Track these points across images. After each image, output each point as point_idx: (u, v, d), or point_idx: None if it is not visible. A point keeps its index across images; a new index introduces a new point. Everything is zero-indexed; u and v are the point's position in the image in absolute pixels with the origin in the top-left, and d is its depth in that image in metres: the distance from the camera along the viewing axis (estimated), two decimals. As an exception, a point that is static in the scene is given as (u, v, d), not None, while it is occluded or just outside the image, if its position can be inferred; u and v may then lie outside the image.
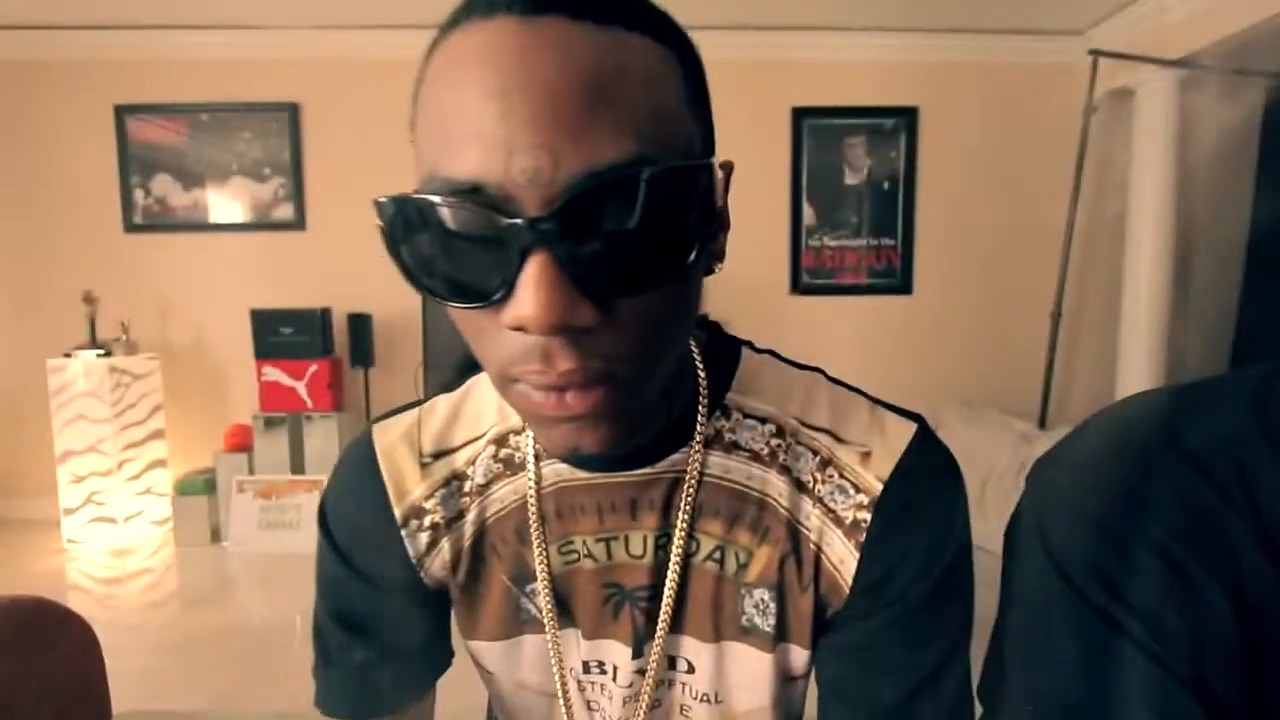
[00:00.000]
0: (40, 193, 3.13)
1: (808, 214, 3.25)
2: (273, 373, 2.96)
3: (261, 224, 3.20)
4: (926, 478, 0.43)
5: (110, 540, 2.93)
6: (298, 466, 3.04)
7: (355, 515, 0.47)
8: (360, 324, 3.04)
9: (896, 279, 3.29)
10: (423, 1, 2.89)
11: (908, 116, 3.21)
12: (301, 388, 2.97)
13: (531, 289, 0.29)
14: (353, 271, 3.16)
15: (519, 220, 0.29)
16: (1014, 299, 3.25)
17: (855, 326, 3.27)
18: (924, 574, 0.42)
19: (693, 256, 0.32)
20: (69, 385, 2.86)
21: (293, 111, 3.14)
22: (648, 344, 0.33)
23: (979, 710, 0.44)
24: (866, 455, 0.44)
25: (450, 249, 0.31)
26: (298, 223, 3.20)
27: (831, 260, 3.27)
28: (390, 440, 0.48)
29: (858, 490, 0.43)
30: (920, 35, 3.13)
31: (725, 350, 0.47)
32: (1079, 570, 0.36)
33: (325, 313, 3.03)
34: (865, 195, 3.26)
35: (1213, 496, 0.35)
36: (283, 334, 2.96)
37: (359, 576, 0.47)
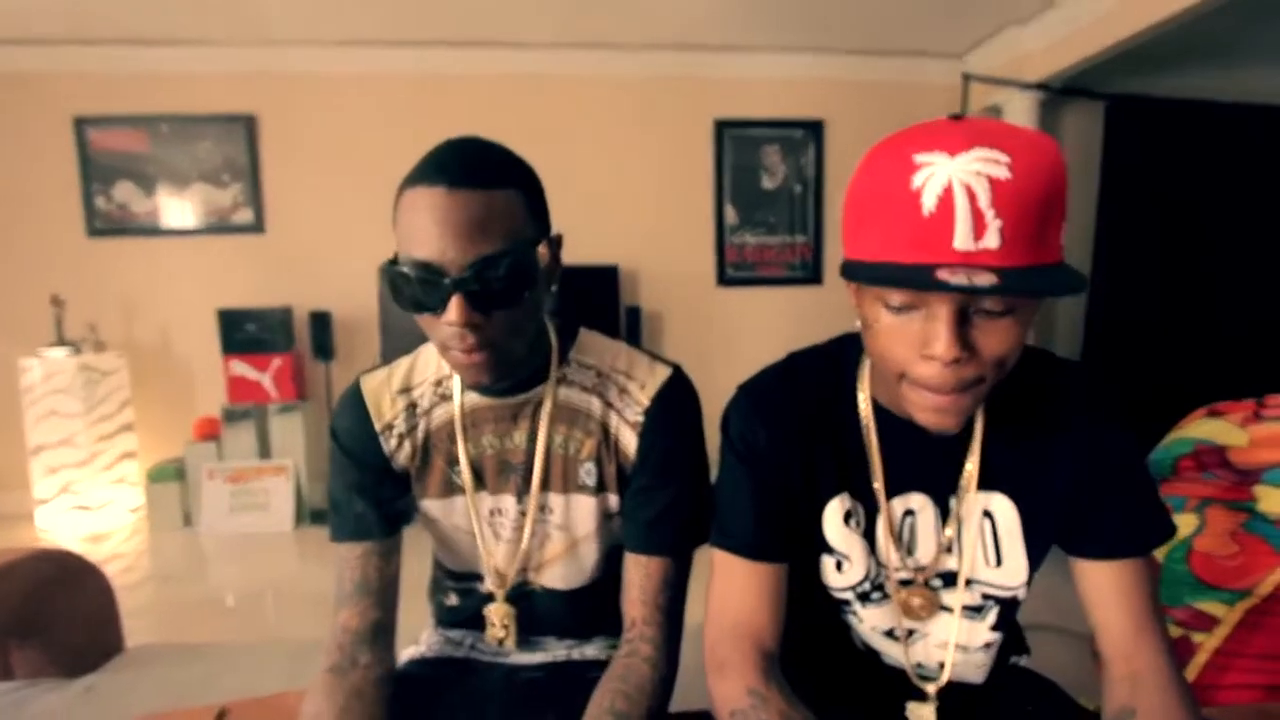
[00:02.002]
0: (2, 200, 3.27)
1: (730, 214, 3.63)
2: (239, 367, 3.20)
3: (222, 228, 3.41)
4: (672, 400, 0.79)
5: (85, 528, 3.13)
6: (265, 453, 3.28)
7: (352, 429, 0.80)
8: (321, 321, 3.28)
9: (809, 271, 3.70)
10: (366, 22, 3.15)
11: (815, 128, 3.62)
12: (267, 380, 3.21)
13: (453, 309, 0.63)
14: (311, 271, 3.41)
15: (448, 279, 0.63)
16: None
17: (774, 313, 3.67)
18: (667, 447, 0.78)
19: (527, 291, 0.67)
20: (39, 383, 3.04)
21: (249, 122, 3.35)
22: (508, 330, 0.68)
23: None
24: (643, 386, 0.79)
25: (415, 289, 0.65)
26: (257, 226, 3.42)
27: (752, 255, 3.66)
28: (372, 385, 0.81)
29: (638, 405, 0.79)
30: (824, 55, 3.53)
31: (569, 330, 0.83)
32: (734, 435, 0.73)
33: (287, 311, 3.27)
34: (781, 197, 3.66)
35: (784, 402, 0.72)
36: (248, 331, 3.20)
37: (355, 463, 0.80)
